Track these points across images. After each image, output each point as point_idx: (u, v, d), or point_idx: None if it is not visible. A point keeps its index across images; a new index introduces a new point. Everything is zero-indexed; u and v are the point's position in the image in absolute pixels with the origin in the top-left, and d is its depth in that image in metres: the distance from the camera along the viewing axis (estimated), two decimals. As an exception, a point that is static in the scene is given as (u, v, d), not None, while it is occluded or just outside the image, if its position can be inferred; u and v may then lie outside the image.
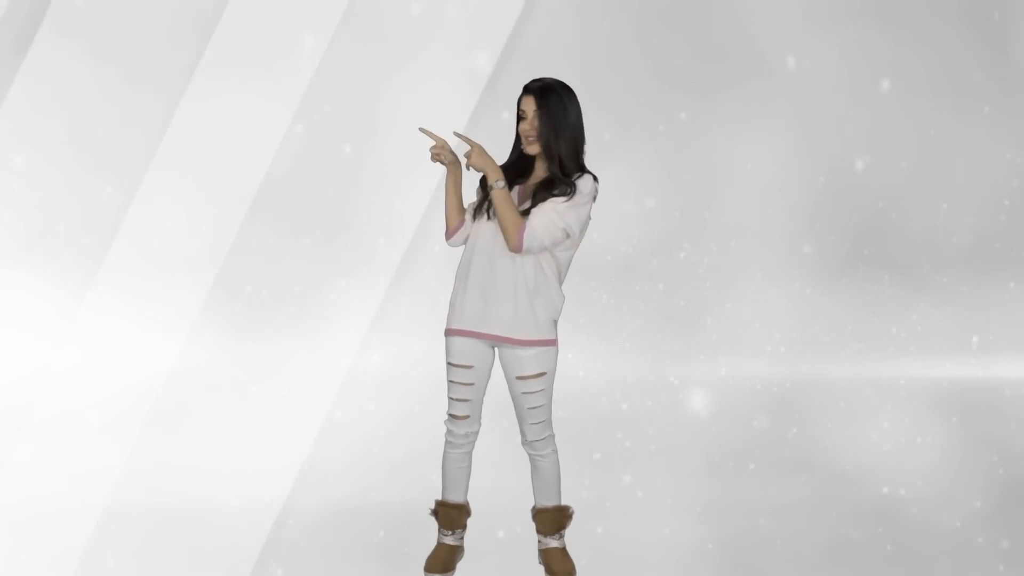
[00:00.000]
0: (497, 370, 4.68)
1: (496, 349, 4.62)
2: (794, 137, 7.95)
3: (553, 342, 4.59)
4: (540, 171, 4.59)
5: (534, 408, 4.60)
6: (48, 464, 6.07)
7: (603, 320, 7.73)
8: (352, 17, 7.56)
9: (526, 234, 4.45)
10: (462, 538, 4.80)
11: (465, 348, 4.60)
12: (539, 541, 4.77)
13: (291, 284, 7.57)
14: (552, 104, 4.50)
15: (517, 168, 4.60)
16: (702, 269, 7.90)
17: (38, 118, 7.49)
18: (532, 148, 4.54)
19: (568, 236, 4.52)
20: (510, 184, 4.56)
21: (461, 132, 4.55)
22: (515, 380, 4.59)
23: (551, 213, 4.46)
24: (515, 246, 4.47)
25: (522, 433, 4.67)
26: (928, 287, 8.02)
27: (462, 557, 4.81)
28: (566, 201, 4.46)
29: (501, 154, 4.68)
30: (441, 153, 4.59)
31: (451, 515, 4.75)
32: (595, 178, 4.55)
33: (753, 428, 6.93)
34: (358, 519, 5.48)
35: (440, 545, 4.77)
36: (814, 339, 7.86)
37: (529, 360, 4.56)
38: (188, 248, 7.55)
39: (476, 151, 4.50)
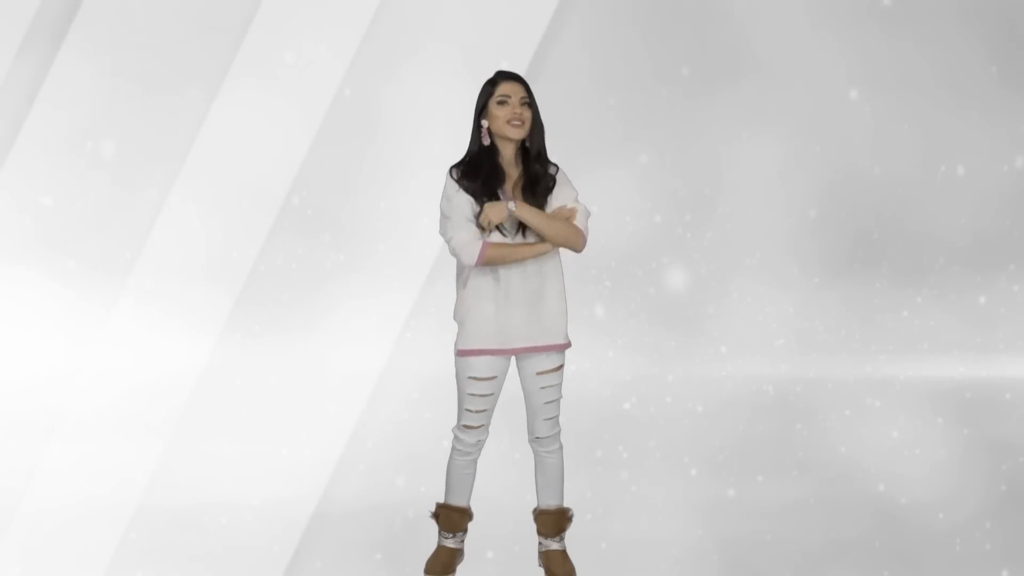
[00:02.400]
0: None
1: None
2: (796, 135, 7.94)
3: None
4: (509, 163, 4.53)
5: (550, 402, 4.61)
6: (79, 465, 6.10)
7: (603, 318, 7.71)
8: (377, 27, 7.57)
9: (586, 235, 4.52)
10: (463, 541, 4.79)
11: (490, 363, 4.55)
12: (540, 543, 4.76)
13: (315, 288, 7.59)
14: (533, 96, 4.53)
15: (489, 167, 4.49)
16: (702, 265, 7.89)
17: (68, 123, 7.52)
18: (519, 132, 4.46)
19: None
20: (493, 188, 4.47)
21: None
22: (535, 376, 4.58)
23: (579, 205, 4.52)
24: (582, 248, 4.53)
25: (532, 430, 4.65)
26: (931, 285, 8.01)
27: (462, 560, 4.80)
28: (570, 192, 4.53)
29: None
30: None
31: (453, 518, 4.74)
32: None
33: (754, 427, 6.92)
34: (358, 520, 5.47)
35: (440, 547, 4.76)
36: (815, 338, 7.85)
37: (552, 356, 4.58)
38: (216, 254, 7.58)
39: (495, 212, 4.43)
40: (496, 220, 4.39)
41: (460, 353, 4.54)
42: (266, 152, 7.58)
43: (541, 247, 4.46)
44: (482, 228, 4.41)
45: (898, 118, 8.02)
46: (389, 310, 7.53)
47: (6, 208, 7.53)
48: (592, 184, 7.59)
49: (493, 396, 4.59)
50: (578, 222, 4.48)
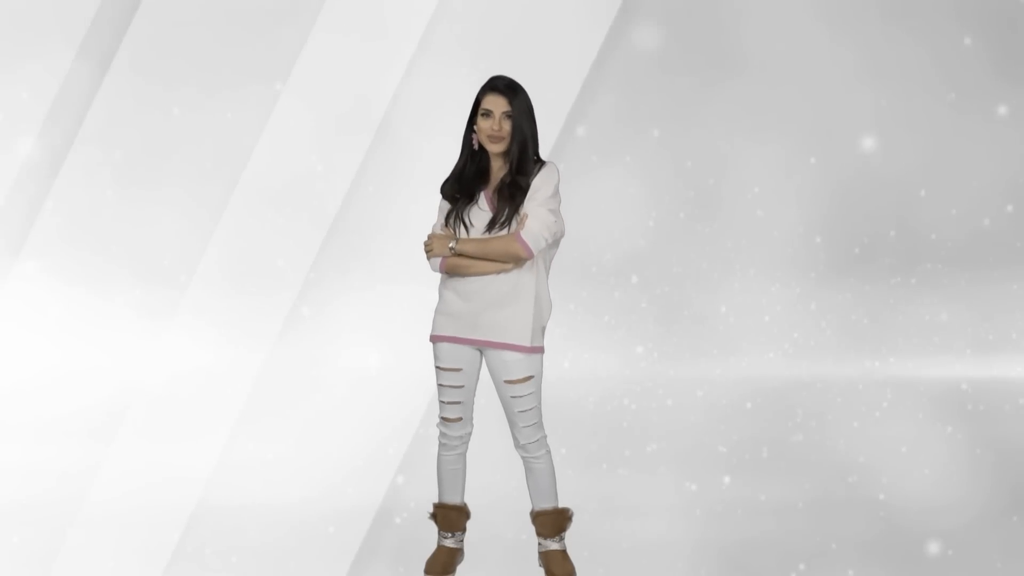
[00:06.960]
0: (486, 371, 4.67)
1: (482, 353, 4.61)
2: (798, 134, 7.93)
3: (540, 349, 4.59)
4: (498, 169, 4.57)
5: (525, 411, 4.59)
6: (139, 464, 6.18)
7: (604, 317, 7.71)
8: (427, 46, 7.59)
9: (528, 240, 4.45)
10: (462, 540, 4.80)
11: (452, 352, 4.59)
12: (539, 544, 4.76)
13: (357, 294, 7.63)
14: (522, 104, 4.52)
15: (473, 170, 4.56)
16: (704, 265, 7.88)
17: (121, 140, 7.56)
18: (497, 147, 4.51)
19: (561, 228, 4.56)
20: (472, 190, 4.53)
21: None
22: (503, 384, 4.58)
23: (539, 209, 4.47)
24: (526, 256, 4.48)
25: (514, 437, 4.66)
26: (934, 285, 8.00)
27: (462, 560, 4.81)
28: (541, 195, 4.48)
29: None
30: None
31: (450, 517, 4.75)
32: (554, 164, 4.59)
33: (755, 428, 6.91)
34: (358, 520, 5.47)
35: (440, 548, 4.77)
36: (817, 338, 7.84)
37: (516, 364, 4.55)
38: (272, 260, 7.61)
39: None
40: (436, 252, 4.52)
41: (430, 339, 4.63)
42: (319, 163, 7.63)
43: (501, 265, 4.52)
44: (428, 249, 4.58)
45: (901, 117, 8.01)
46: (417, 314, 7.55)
47: (63, 216, 7.57)
48: (593, 183, 7.62)
49: (464, 389, 4.62)
50: (527, 229, 4.45)
